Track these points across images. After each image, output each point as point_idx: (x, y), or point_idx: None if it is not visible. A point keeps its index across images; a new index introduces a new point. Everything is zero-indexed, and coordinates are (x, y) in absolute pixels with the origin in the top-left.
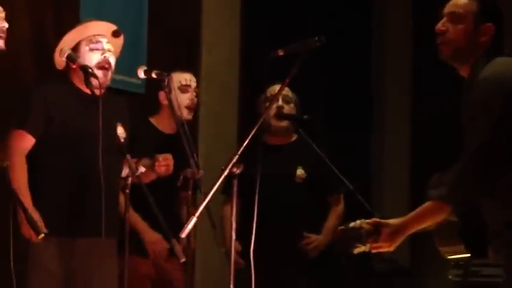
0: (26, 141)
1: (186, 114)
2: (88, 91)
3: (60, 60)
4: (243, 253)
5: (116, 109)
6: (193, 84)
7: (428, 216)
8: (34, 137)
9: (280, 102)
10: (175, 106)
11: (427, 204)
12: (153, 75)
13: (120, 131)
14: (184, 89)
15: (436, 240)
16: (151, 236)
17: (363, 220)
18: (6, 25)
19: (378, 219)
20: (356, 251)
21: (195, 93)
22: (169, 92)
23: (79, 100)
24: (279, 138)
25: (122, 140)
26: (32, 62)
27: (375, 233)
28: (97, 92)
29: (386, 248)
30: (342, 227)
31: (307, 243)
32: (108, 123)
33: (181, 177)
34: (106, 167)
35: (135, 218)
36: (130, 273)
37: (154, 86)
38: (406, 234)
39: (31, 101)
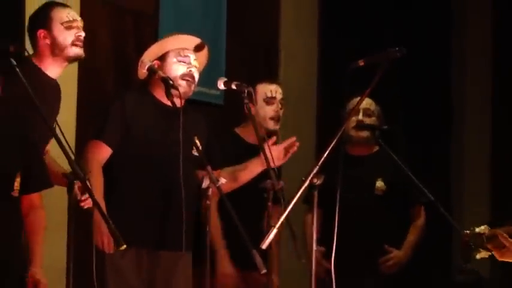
0: (103, 152)
1: (271, 126)
2: (168, 103)
3: (140, 71)
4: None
5: (194, 121)
6: (279, 95)
7: None
8: (111, 147)
9: (360, 116)
10: (260, 117)
11: None
12: (233, 87)
13: (198, 143)
14: (269, 100)
15: None
16: (224, 268)
17: (486, 226)
18: (83, 34)
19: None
20: (478, 256)
21: (280, 105)
22: (250, 102)
23: (159, 111)
24: (361, 149)
25: (199, 152)
26: (112, 73)
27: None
28: (177, 102)
29: None
30: (467, 231)
31: (386, 259)
32: (187, 134)
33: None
34: (185, 179)
35: (216, 238)
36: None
37: (233, 97)
38: None
39: (109, 111)
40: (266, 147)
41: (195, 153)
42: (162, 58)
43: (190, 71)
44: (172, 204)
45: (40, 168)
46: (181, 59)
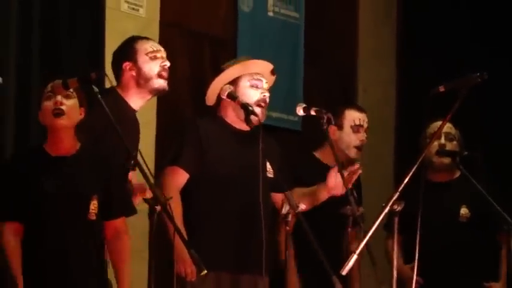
0: (180, 177)
1: (353, 154)
2: (239, 127)
3: (211, 96)
4: None
5: (266, 145)
6: (366, 124)
7: None
8: (188, 172)
9: (442, 140)
10: (344, 143)
11: None
12: (312, 113)
13: (269, 166)
14: (356, 128)
15: None
16: None
17: None
18: (168, 64)
19: None
20: None
21: (365, 134)
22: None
23: (231, 136)
24: (443, 175)
25: (271, 175)
26: (191, 101)
27: None
28: (256, 128)
29: None
30: None
31: None
32: (262, 160)
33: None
34: (265, 204)
35: (291, 267)
36: None
37: (311, 123)
38: None
39: (184, 137)
40: (332, 174)
41: (269, 175)
42: (234, 82)
43: (264, 96)
44: (251, 227)
45: (121, 195)
46: (254, 83)
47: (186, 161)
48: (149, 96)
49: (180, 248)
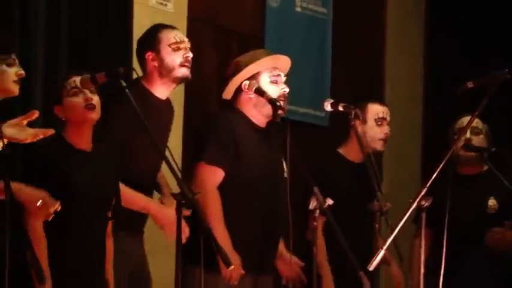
0: (218, 176)
1: (379, 147)
2: (258, 123)
3: (230, 90)
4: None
5: (281, 144)
6: (388, 118)
7: None
8: (224, 170)
9: (468, 134)
10: (369, 137)
11: None
12: (340, 108)
13: (284, 165)
14: (380, 121)
15: None
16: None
17: None
18: (191, 55)
19: None
20: None
21: (388, 127)
22: (355, 123)
23: (253, 131)
24: (470, 168)
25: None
26: (217, 95)
27: None
28: (272, 124)
29: None
30: None
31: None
32: (279, 156)
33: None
34: (282, 201)
35: (322, 260)
36: None
37: (338, 119)
38: None
39: (219, 133)
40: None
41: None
42: (253, 78)
43: (284, 91)
44: (275, 227)
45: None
46: (274, 79)
47: (223, 159)
48: (174, 85)
49: (228, 251)
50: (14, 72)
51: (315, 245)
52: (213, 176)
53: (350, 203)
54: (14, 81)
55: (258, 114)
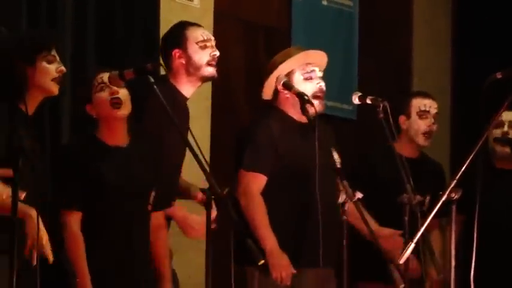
0: (260, 182)
1: (422, 141)
2: (298, 118)
3: (268, 90)
4: (464, 280)
5: (327, 135)
6: (433, 110)
7: None
8: (266, 175)
9: (505, 127)
10: (412, 131)
11: None
12: (368, 101)
13: (336, 156)
14: (423, 114)
15: None
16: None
17: None
18: (217, 53)
19: None
20: None
21: (433, 120)
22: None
23: (294, 129)
24: (506, 162)
25: (338, 165)
26: (245, 90)
27: None
28: (313, 119)
29: None
30: None
31: None
32: (324, 149)
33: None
34: (325, 195)
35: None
36: None
37: (365, 112)
38: None
39: (258, 139)
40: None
41: (338, 165)
42: (287, 77)
43: (319, 86)
44: (314, 221)
45: (167, 188)
46: (308, 75)
47: (264, 165)
48: (199, 83)
49: (276, 253)
50: (54, 68)
51: (346, 238)
52: (254, 181)
53: (383, 196)
54: (53, 80)
55: (298, 111)
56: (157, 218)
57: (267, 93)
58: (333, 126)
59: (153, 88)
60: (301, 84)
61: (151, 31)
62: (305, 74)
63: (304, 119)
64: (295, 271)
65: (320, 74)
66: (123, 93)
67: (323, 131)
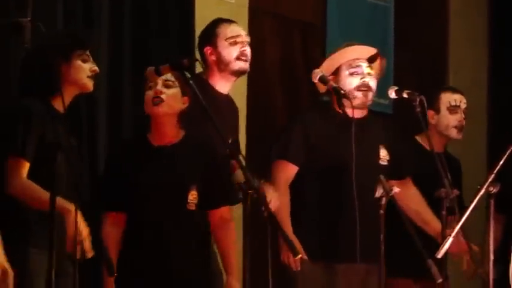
0: (289, 171)
1: (454, 134)
2: (350, 115)
3: (319, 88)
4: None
5: (377, 130)
6: (463, 105)
7: None
8: (297, 165)
9: None
10: (443, 125)
11: None
12: (404, 95)
13: (384, 153)
14: (453, 109)
15: None
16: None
17: None
18: (247, 49)
19: None
20: None
21: (463, 115)
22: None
23: (339, 123)
24: None
25: (386, 162)
26: (281, 85)
27: None
28: (349, 113)
29: None
30: None
31: None
32: (368, 144)
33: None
34: (364, 190)
35: None
36: None
37: (402, 106)
38: None
39: (291, 129)
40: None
41: (383, 162)
42: (336, 72)
43: (364, 81)
44: (351, 216)
45: (222, 183)
46: (354, 70)
47: (294, 154)
48: (233, 79)
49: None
50: (88, 68)
51: (383, 233)
52: (283, 170)
53: (420, 190)
54: (89, 77)
55: (346, 107)
56: (216, 215)
57: (321, 87)
58: (389, 122)
59: (189, 83)
60: (347, 78)
61: (187, 28)
62: (351, 69)
63: (356, 114)
64: (306, 257)
65: (368, 69)
66: (170, 92)
67: (372, 126)
